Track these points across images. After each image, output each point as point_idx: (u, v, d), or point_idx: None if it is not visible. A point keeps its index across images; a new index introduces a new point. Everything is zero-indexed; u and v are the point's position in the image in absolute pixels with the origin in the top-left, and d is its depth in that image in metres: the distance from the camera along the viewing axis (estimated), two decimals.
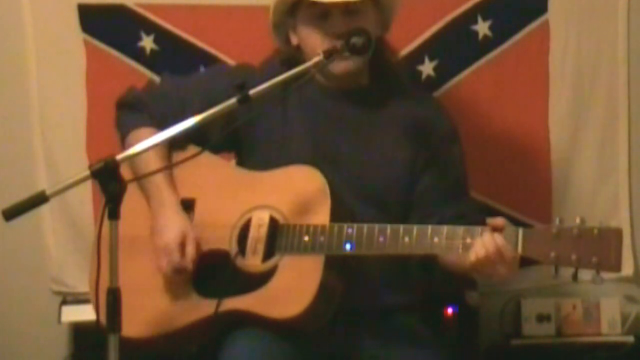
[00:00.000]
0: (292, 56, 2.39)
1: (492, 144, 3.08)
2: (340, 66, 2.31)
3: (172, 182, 2.38)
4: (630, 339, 2.98)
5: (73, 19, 3.03)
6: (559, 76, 3.10)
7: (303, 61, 2.26)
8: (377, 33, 2.38)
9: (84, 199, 3.00)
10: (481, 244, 2.10)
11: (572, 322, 3.01)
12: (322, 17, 2.33)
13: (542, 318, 2.99)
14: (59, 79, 3.06)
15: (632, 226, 3.13)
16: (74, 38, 3.04)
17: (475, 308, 2.93)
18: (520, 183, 3.12)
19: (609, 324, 3.01)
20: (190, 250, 2.28)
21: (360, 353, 2.35)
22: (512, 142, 3.11)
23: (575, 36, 3.09)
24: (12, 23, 3.05)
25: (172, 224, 2.31)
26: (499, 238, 2.09)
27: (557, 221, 2.05)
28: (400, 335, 2.38)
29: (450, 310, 2.85)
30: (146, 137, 2.13)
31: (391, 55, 2.52)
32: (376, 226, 2.20)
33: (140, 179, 2.30)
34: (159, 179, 2.35)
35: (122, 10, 3.04)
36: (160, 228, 2.32)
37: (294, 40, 2.41)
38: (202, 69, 2.97)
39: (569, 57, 3.10)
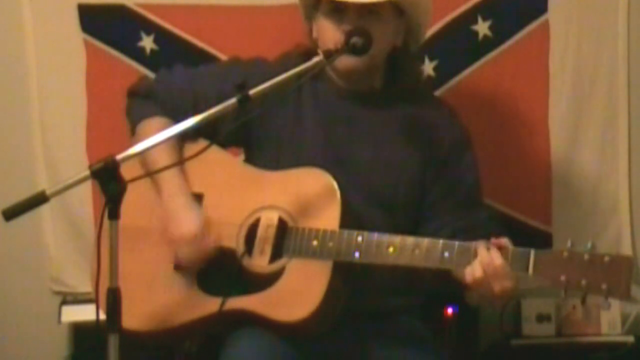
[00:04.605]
0: (310, 49, 2.38)
1: (492, 144, 3.07)
2: (342, 62, 2.31)
3: (182, 173, 2.35)
4: (630, 339, 2.97)
5: (73, 19, 3.03)
6: (559, 76, 3.09)
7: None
8: (396, 41, 2.39)
9: (84, 199, 3.00)
10: (478, 262, 2.11)
11: (572, 322, 3.01)
12: (338, 11, 2.33)
13: (542, 318, 2.99)
14: (59, 79, 3.06)
15: (632, 226, 3.13)
16: (74, 38, 3.04)
17: (475, 308, 2.93)
18: (520, 183, 3.11)
19: (609, 324, 3.01)
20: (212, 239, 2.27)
21: (361, 354, 2.35)
22: (512, 142, 3.11)
23: (575, 36, 3.09)
24: (12, 23, 3.05)
25: (190, 214, 2.28)
26: (496, 256, 2.09)
27: (569, 244, 2.06)
28: (400, 336, 2.38)
29: (450, 310, 2.85)
30: (158, 127, 2.11)
31: (412, 63, 2.52)
32: (386, 236, 2.19)
33: (150, 175, 2.28)
34: (171, 169, 2.31)
35: (122, 10, 3.03)
36: (175, 217, 2.29)
37: (315, 33, 2.41)
38: None
39: (569, 57, 3.09)
